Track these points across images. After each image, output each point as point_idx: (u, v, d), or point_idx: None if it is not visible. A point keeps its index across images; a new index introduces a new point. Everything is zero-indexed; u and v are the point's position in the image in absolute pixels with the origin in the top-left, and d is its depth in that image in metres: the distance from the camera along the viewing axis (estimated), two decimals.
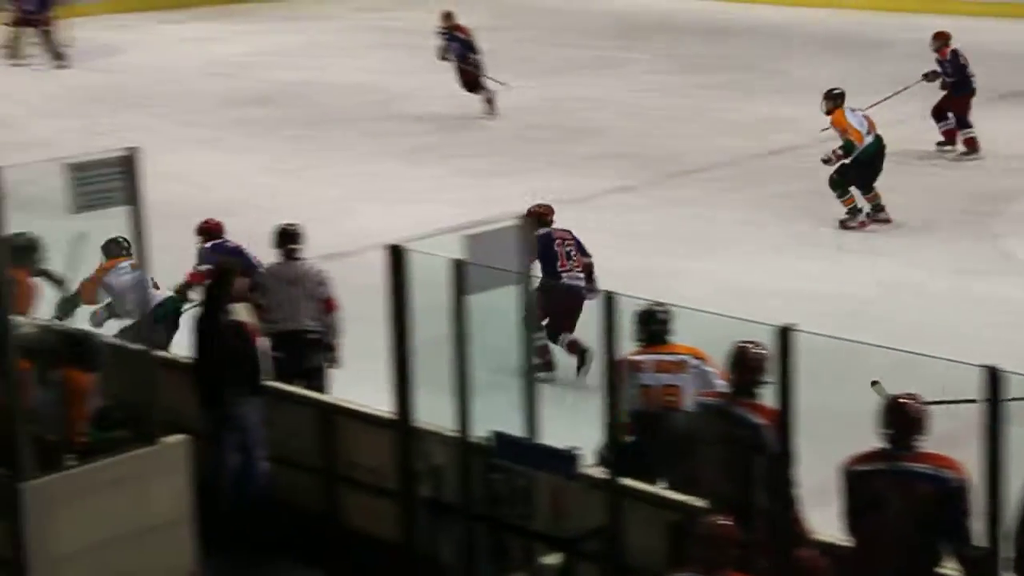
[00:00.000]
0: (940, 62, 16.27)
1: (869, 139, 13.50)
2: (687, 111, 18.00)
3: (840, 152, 13.45)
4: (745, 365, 6.11)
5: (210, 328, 7.66)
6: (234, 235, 12.31)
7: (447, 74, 18.76)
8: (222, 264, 8.00)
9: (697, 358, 7.35)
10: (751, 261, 12.58)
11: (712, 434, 6.17)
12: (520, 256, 6.12)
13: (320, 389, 8.63)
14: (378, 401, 7.08)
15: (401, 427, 6.20)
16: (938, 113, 16.26)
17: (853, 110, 13.71)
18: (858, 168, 13.50)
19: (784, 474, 5.45)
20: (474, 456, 5.98)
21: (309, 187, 14.92)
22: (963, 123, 16.17)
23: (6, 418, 6.60)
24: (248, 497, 7.56)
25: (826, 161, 13.53)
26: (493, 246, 6.09)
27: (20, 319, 7.15)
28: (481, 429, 6.02)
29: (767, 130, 17.25)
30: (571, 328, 9.73)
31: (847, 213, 13.50)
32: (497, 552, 5.87)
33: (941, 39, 16.43)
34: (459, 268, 5.88)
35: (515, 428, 6.02)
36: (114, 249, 9.50)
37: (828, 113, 13.69)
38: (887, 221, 13.57)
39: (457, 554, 5.85)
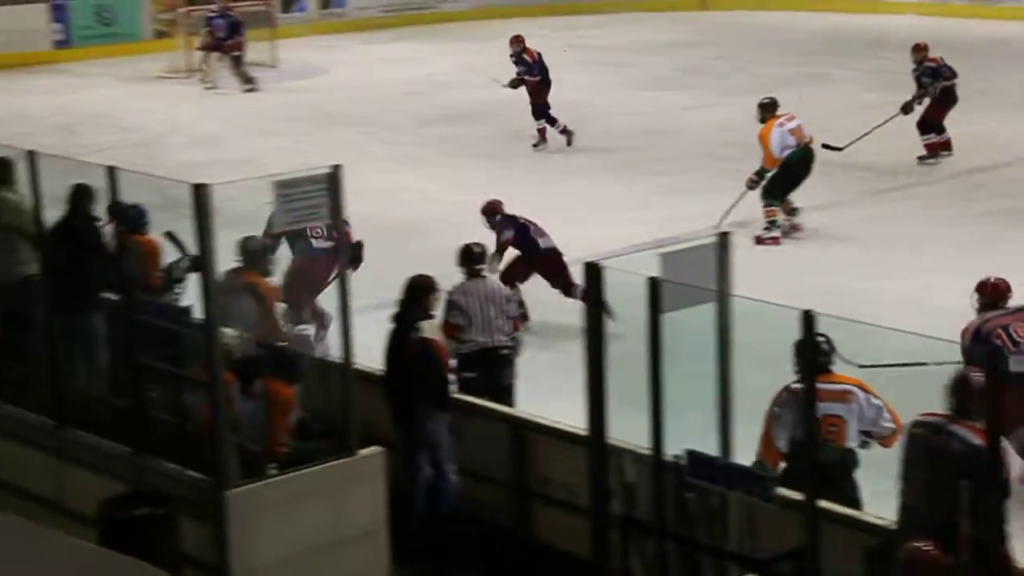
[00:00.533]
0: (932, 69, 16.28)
1: (788, 152, 13.43)
2: (891, 128, 17.59)
3: (755, 178, 13.57)
4: (966, 391, 5.92)
5: (400, 345, 7.75)
6: (427, 253, 12.52)
7: (640, 92, 18.74)
8: (415, 281, 8.05)
9: (863, 390, 7.13)
10: (952, 279, 12.22)
11: (925, 452, 5.99)
12: (717, 275, 6.05)
13: (511, 406, 8.67)
14: (571, 416, 7.09)
15: (595, 444, 6.18)
16: (923, 125, 16.33)
17: (782, 124, 13.49)
18: (781, 175, 13.48)
19: (995, 502, 5.27)
20: (667, 474, 5.93)
21: (504, 205, 14.99)
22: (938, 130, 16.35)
23: (211, 428, 6.80)
24: (439, 511, 7.63)
25: (750, 187, 13.58)
26: (689, 264, 6.04)
27: (228, 331, 7.36)
28: (674, 447, 5.97)
29: (974, 147, 16.77)
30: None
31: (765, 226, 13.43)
32: (689, 571, 5.81)
33: (920, 51, 16.50)
34: (655, 286, 5.85)
35: (709, 447, 5.96)
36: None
37: (761, 122, 13.61)
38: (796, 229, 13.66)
39: (648, 572, 5.80)
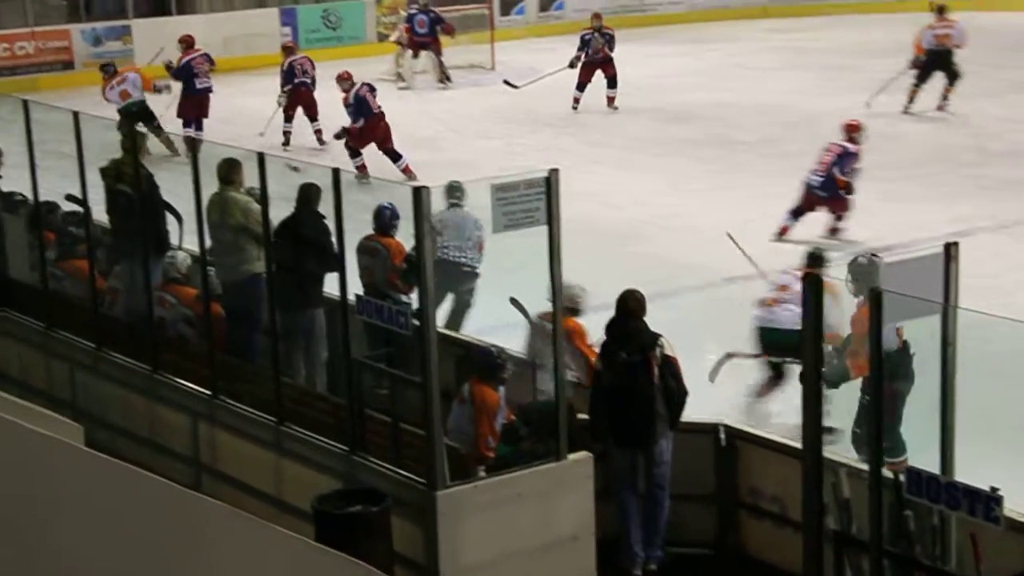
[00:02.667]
0: None
1: None
2: None
3: None
4: None
5: (629, 364, 7.48)
6: (643, 257, 12.46)
7: (862, 95, 18.31)
8: (634, 297, 7.82)
9: None
10: None
11: None
12: (941, 286, 5.85)
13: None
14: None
15: (811, 458, 6.03)
16: None
17: None
18: None
19: None
20: (886, 491, 5.75)
21: (716, 208, 14.85)
22: None
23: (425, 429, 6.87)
24: (654, 528, 7.51)
25: None
26: (914, 274, 5.86)
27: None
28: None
29: None
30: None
31: None
32: None
33: None
34: (877, 296, 5.68)
35: (930, 464, 5.76)
36: None
37: None
38: None
39: None
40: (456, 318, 10.29)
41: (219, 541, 5.03)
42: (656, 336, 7.50)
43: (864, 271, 8.19)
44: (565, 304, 7.59)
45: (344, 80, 16.57)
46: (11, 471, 4.65)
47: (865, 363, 7.93)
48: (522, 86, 17.72)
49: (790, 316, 8.70)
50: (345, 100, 16.41)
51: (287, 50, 19.16)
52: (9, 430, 4.73)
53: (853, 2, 29.32)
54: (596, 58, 20.45)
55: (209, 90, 18.49)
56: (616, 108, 20.35)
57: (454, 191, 10.60)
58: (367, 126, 16.22)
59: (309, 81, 18.49)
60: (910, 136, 17.94)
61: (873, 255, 8.55)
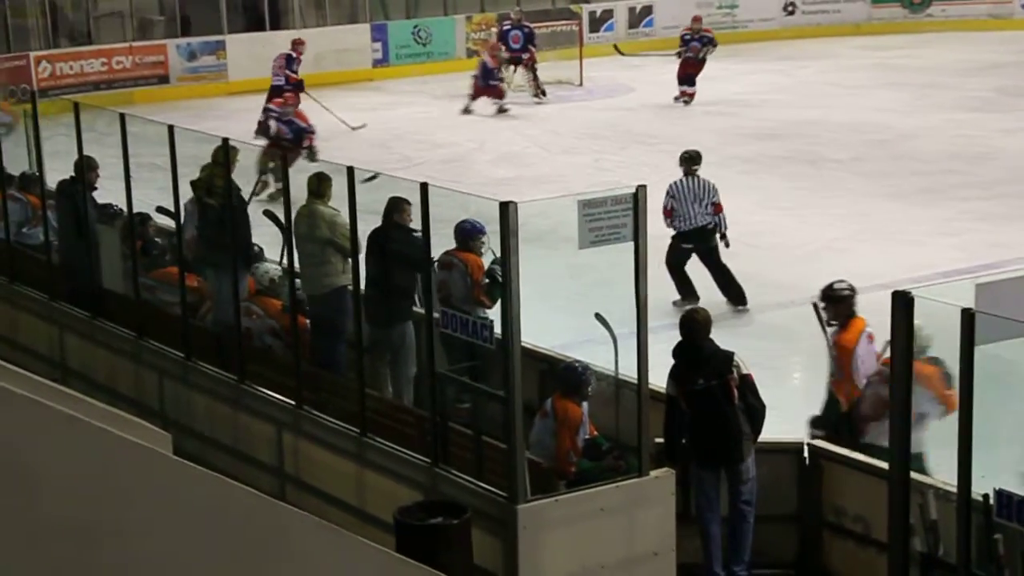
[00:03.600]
0: None
1: None
2: None
3: None
4: None
5: (705, 385, 7.43)
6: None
7: (955, 115, 18.07)
8: (702, 316, 7.74)
9: None
10: None
11: None
12: None
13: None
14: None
15: (898, 478, 5.96)
16: None
17: None
18: None
19: None
20: (974, 513, 5.66)
21: (804, 226, 14.76)
22: None
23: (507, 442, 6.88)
24: (739, 547, 7.45)
25: None
26: (1007, 295, 5.77)
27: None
28: (983, 486, 5.71)
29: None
30: None
31: None
32: None
33: None
34: (970, 317, 5.60)
35: (1021, 487, 5.67)
36: None
37: None
38: None
39: None
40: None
41: (303, 551, 5.07)
42: (730, 356, 7.45)
43: (839, 296, 8.18)
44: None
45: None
46: (99, 477, 4.72)
47: (850, 387, 7.88)
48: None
49: None
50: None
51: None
52: (98, 436, 4.80)
53: (950, 19, 28.97)
54: (692, 58, 21.51)
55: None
56: (686, 102, 21.41)
57: (691, 161, 12.48)
58: None
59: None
60: (1000, 155, 17.67)
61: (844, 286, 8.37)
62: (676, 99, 21.81)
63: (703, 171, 12.57)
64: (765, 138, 19.32)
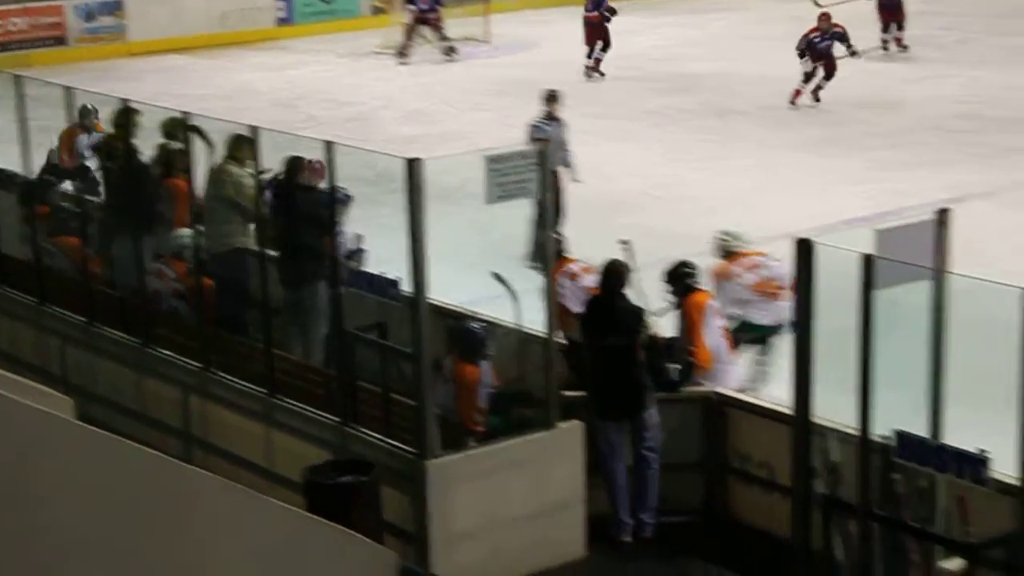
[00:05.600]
0: None
1: None
2: None
3: None
4: None
5: (614, 337, 7.48)
6: (640, 228, 12.43)
7: (868, 66, 18.25)
8: (621, 267, 7.73)
9: None
10: None
11: None
12: (934, 251, 5.86)
13: None
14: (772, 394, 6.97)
15: (799, 422, 6.05)
16: None
17: None
18: None
19: None
20: (874, 455, 5.77)
21: (712, 178, 14.86)
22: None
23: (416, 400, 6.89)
24: (645, 495, 7.53)
25: None
26: (905, 241, 5.87)
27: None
28: (882, 427, 5.81)
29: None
30: None
31: None
32: (893, 553, 5.65)
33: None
34: (868, 263, 5.70)
35: (918, 428, 5.78)
36: None
37: None
38: None
39: (851, 553, 5.67)
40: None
41: (210, 513, 5.06)
42: (641, 314, 7.51)
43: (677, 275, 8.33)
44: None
45: None
46: (2, 444, 4.67)
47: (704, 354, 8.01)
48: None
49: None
50: None
51: None
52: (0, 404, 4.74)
53: None
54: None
55: None
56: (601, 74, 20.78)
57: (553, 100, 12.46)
58: None
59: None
60: (904, 104, 17.92)
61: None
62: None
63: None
64: (674, 92, 19.39)
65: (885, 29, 21.09)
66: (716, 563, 7.29)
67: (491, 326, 7.77)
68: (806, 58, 18.03)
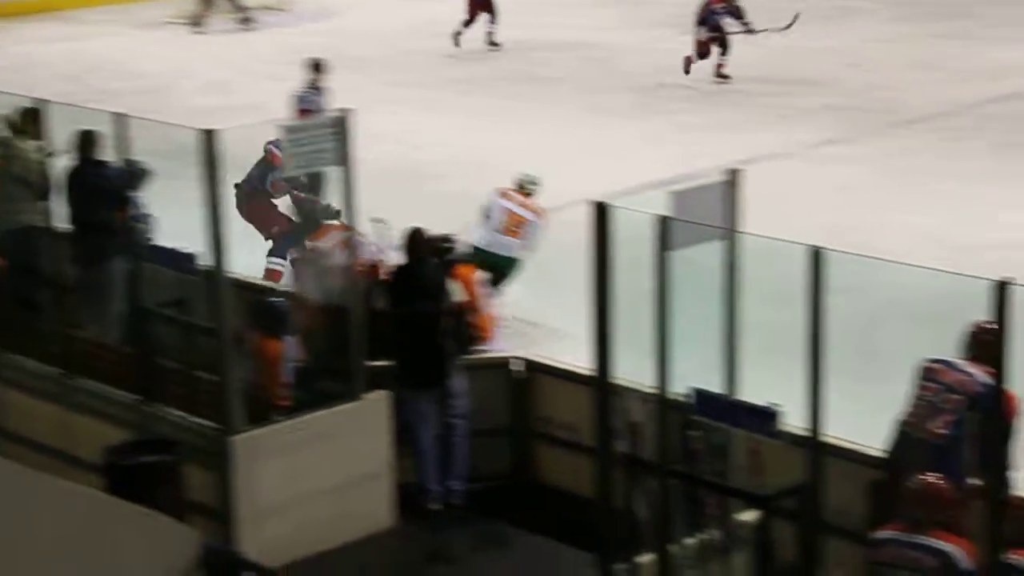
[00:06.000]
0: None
1: None
2: (914, 60, 17.48)
3: None
4: (976, 338, 6.10)
5: (420, 303, 7.51)
6: (444, 195, 12.47)
7: (663, 30, 18.49)
8: (422, 235, 7.75)
9: None
10: (969, 213, 12.14)
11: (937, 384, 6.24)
12: (726, 211, 5.99)
13: None
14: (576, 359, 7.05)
15: (599, 383, 6.14)
16: None
17: None
18: None
19: (1000, 438, 5.26)
20: (672, 413, 5.89)
21: (517, 145, 14.92)
22: None
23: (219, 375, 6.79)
24: (453, 462, 7.57)
25: None
26: (699, 202, 5.99)
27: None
28: (680, 386, 5.94)
29: (992, 78, 16.61)
30: None
31: None
32: (693, 509, 5.79)
33: None
34: (663, 224, 5.80)
35: (714, 386, 5.92)
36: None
37: None
38: None
39: (651, 510, 5.79)
40: None
41: (2, 498, 4.90)
42: (444, 281, 7.53)
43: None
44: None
45: None
46: None
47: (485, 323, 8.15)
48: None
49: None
50: None
51: None
52: None
53: None
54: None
55: None
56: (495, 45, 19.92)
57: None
58: None
59: None
60: (701, 67, 18.24)
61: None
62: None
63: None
64: (478, 60, 19.41)
65: None
66: (524, 527, 7.37)
67: (294, 299, 7.69)
68: (703, 28, 17.30)
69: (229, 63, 19.77)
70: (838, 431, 6.12)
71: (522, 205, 10.31)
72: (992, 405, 5.22)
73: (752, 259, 6.14)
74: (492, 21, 19.86)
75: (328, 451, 7.05)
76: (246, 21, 22.25)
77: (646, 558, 5.81)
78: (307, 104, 12.21)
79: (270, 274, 10.21)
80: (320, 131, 7.01)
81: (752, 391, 5.94)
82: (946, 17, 20.14)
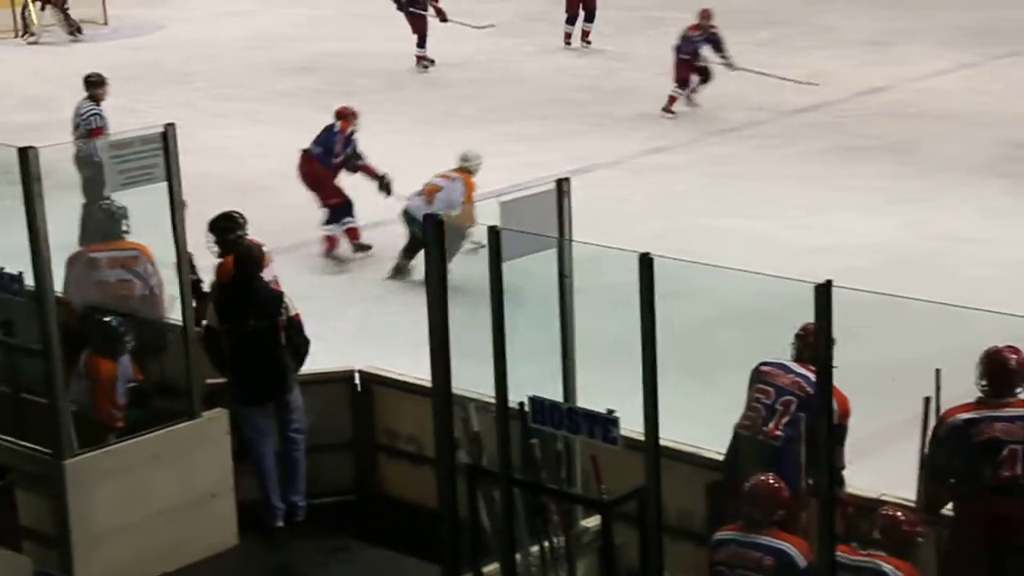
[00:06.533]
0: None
1: None
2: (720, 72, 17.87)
3: None
4: (805, 336, 6.28)
5: (256, 321, 7.43)
6: (274, 207, 12.39)
7: (487, 41, 18.65)
8: (252, 250, 7.69)
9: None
10: (789, 217, 12.50)
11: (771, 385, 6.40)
12: (557, 220, 6.07)
13: None
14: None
15: (439, 395, 6.17)
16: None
17: None
18: None
19: (828, 437, 5.44)
20: (512, 422, 5.95)
21: None
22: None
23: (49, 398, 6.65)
24: (295, 478, 7.52)
25: None
26: (529, 212, 6.05)
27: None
28: (520, 395, 6.00)
29: (807, 86, 17.10)
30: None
31: None
32: (536, 516, 5.85)
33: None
34: (495, 234, 5.85)
35: (554, 394, 5.99)
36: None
37: None
38: None
39: (495, 519, 5.83)
40: None
41: None
42: (280, 296, 7.49)
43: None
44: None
45: None
46: None
47: None
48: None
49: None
50: None
51: None
52: None
53: None
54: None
55: None
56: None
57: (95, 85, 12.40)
58: None
59: None
60: (528, 78, 18.43)
61: None
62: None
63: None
64: (303, 72, 19.28)
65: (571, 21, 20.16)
66: (369, 540, 7.37)
67: (128, 319, 7.56)
68: (681, 55, 16.38)
69: (51, 78, 19.30)
70: (676, 435, 6.26)
71: (442, 175, 11.39)
72: (821, 406, 5.40)
73: (585, 267, 6.24)
74: (420, 45, 19.26)
75: (166, 472, 6.95)
76: (74, 33, 21.78)
77: (491, 567, 5.85)
78: (100, 121, 12.06)
79: (328, 241, 11.91)
80: (145, 147, 6.92)
81: (591, 398, 6.02)
82: (761, 25, 20.65)
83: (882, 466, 6.43)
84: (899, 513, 5.60)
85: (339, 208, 12.02)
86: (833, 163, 14.21)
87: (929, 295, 5.69)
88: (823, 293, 5.07)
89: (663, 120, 16.08)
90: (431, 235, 6.04)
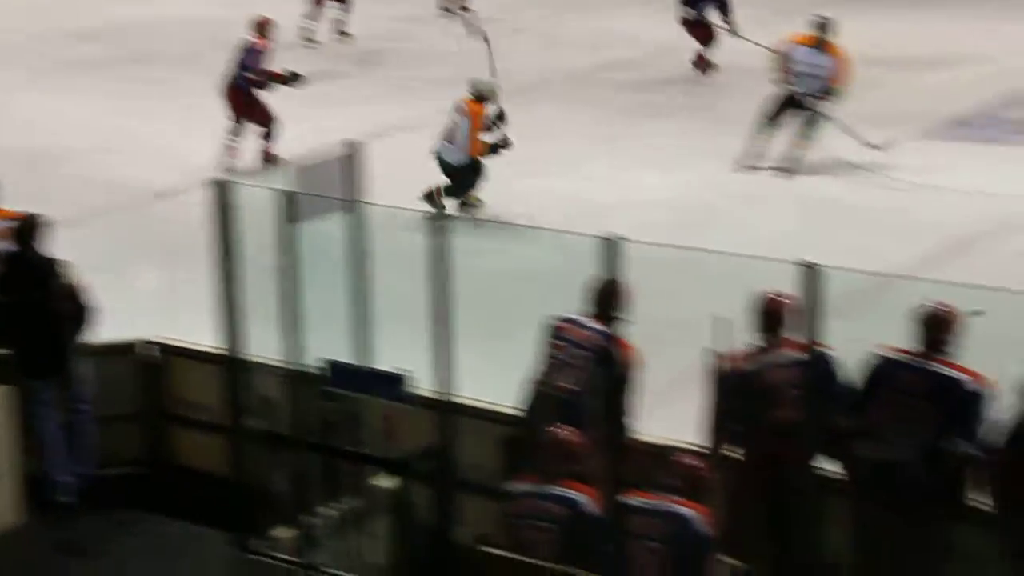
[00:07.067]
0: None
1: None
2: (525, 27, 17.96)
3: None
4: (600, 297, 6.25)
5: (34, 288, 7.26)
6: (62, 182, 12.05)
7: (294, 5, 18.37)
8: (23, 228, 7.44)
9: None
10: (593, 176, 12.63)
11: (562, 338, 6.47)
12: (349, 184, 6.02)
13: None
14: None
15: (230, 361, 6.09)
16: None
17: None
18: None
19: (616, 386, 5.50)
20: (305, 386, 5.89)
21: (139, 126, 14.55)
22: None
23: None
24: (81, 450, 7.34)
25: None
26: (322, 176, 6.04)
27: None
28: (314, 359, 5.94)
29: (601, 44, 17.29)
30: None
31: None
32: (329, 479, 5.81)
33: None
34: (285, 198, 5.79)
35: (350, 357, 5.95)
36: None
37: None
38: None
39: (290, 484, 5.78)
40: None
41: None
42: (54, 265, 7.27)
43: None
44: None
45: None
46: None
47: None
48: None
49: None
50: None
51: None
52: None
53: None
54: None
55: None
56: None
57: None
58: None
59: None
60: (354, 45, 18.22)
61: None
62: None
63: None
64: (92, 39, 18.72)
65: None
66: (160, 511, 7.23)
67: None
68: (688, 9, 15.79)
69: None
70: (473, 391, 6.27)
71: (457, 110, 11.55)
72: (609, 357, 5.46)
73: (382, 230, 6.20)
74: (345, 10, 18.48)
75: None
76: None
77: (285, 532, 5.79)
78: None
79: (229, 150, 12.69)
80: None
81: (387, 359, 5.99)
82: None
83: (676, 414, 6.53)
84: (691, 459, 5.71)
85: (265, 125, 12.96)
86: (632, 122, 14.39)
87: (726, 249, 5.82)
88: (609, 247, 5.15)
89: (460, 83, 16.05)
90: (216, 198, 5.94)
